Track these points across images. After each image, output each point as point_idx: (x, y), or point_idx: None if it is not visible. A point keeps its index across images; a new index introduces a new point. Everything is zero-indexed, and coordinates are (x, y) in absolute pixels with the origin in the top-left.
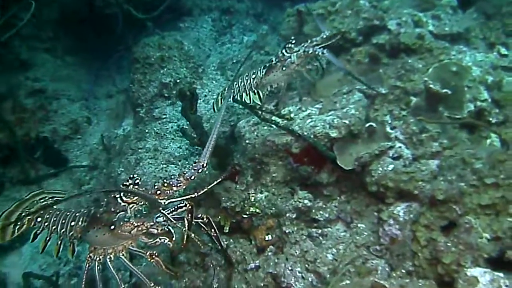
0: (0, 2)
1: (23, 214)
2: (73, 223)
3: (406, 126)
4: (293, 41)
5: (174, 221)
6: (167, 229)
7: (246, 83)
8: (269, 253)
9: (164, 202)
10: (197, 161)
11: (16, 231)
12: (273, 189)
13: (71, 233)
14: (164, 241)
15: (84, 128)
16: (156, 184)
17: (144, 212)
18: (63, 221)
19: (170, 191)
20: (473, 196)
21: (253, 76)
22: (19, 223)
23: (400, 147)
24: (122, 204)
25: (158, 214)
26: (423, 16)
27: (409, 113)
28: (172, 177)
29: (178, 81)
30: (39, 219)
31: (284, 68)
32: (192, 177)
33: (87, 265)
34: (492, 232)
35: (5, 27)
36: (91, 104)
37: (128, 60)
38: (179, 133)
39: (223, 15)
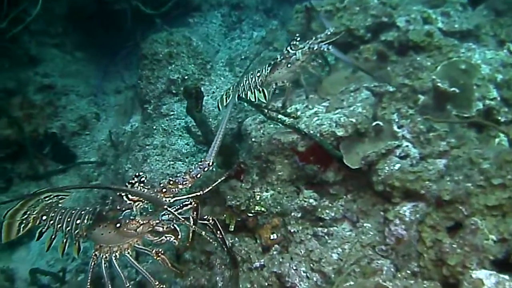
0: None
1: (28, 212)
2: (78, 221)
3: (413, 125)
4: (298, 38)
5: (182, 219)
6: (173, 227)
7: (251, 81)
8: (274, 252)
9: (169, 201)
10: (203, 159)
11: (21, 229)
12: (279, 188)
13: (77, 231)
14: (170, 239)
15: (93, 124)
16: (162, 182)
17: (150, 210)
18: (68, 219)
19: (176, 189)
20: (479, 196)
21: (258, 74)
22: (24, 221)
23: (407, 146)
24: (128, 202)
25: (164, 212)
26: (432, 13)
27: (416, 111)
28: (178, 175)
29: (186, 77)
30: (44, 218)
31: (289, 65)
32: (198, 175)
33: (93, 263)
34: (499, 234)
35: (15, 22)
36: (99, 100)
37: (136, 56)
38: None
39: (233, 10)
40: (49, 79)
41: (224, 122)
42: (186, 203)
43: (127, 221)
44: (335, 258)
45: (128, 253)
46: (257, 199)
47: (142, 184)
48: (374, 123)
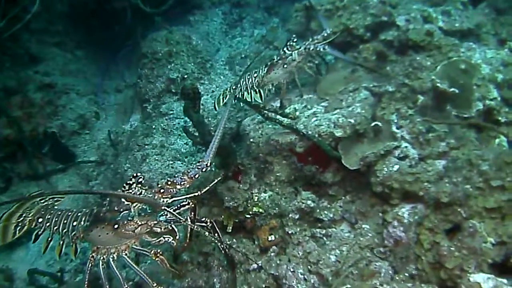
0: None
1: (24, 215)
2: (75, 223)
3: (412, 126)
4: (295, 39)
5: (181, 218)
6: (171, 228)
7: (248, 82)
8: (272, 254)
9: (167, 201)
10: (201, 160)
11: (17, 232)
12: (277, 189)
13: (73, 233)
14: (168, 239)
15: (93, 123)
16: (159, 182)
17: (149, 211)
18: (65, 221)
19: (174, 189)
20: (478, 199)
21: (255, 74)
22: (20, 224)
23: (406, 147)
24: (126, 203)
25: (162, 213)
26: (432, 11)
27: (416, 112)
28: (176, 175)
29: (185, 76)
30: (40, 220)
31: (285, 66)
32: (196, 176)
33: (90, 265)
34: (497, 237)
35: (15, 21)
36: (100, 98)
37: (137, 55)
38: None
39: (234, 8)
40: (49, 78)
41: (222, 122)
42: (184, 203)
43: (125, 222)
44: (333, 260)
45: (126, 254)
46: (255, 200)
47: (140, 185)
48: (373, 124)
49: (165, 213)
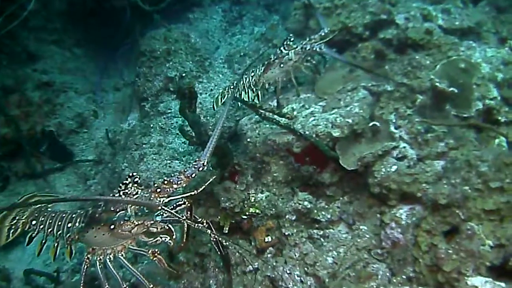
0: None
1: (17, 217)
2: (70, 225)
3: (411, 126)
4: (292, 38)
5: (179, 216)
6: (168, 227)
7: (245, 81)
8: (268, 255)
9: (163, 201)
10: (198, 159)
11: (10, 235)
12: (274, 189)
13: (68, 234)
14: (165, 239)
15: (91, 122)
16: (156, 181)
17: (145, 211)
18: (59, 223)
19: (171, 188)
20: (477, 200)
21: (252, 73)
22: (13, 227)
23: (404, 147)
24: None
25: (158, 212)
26: (432, 9)
27: (414, 111)
28: (173, 174)
29: (183, 75)
30: (34, 222)
31: (281, 65)
32: (193, 175)
33: (86, 267)
34: (496, 239)
35: (13, 19)
36: (98, 97)
37: (135, 53)
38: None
39: (234, 5)
40: (47, 76)
41: (220, 122)
42: (180, 203)
43: (122, 222)
44: (330, 262)
45: (122, 255)
46: (252, 200)
47: (136, 185)
48: (371, 124)
49: (162, 213)
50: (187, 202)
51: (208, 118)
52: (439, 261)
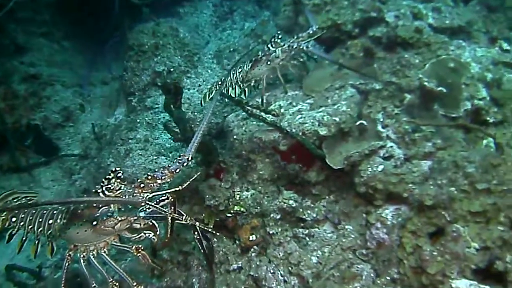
0: None
1: None
2: (51, 221)
3: (398, 125)
4: (280, 35)
5: (163, 210)
6: (151, 223)
7: (233, 77)
8: (252, 254)
9: (147, 196)
10: (182, 154)
11: None
12: (260, 187)
13: (49, 231)
14: (149, 235)
15: (77, 116)
16: (140, 177)
17: (129, 206)
18: (40, 220)
19: (154, 184)
20: (463, 202)
21: (239, 70)
22: None
23: (391, 146)
24: None
25: (141, 208)
26: (423, 8)
27: (402, 111)
28: (157, 170)
29: (172, 69)
30: (14, 219)
31: (268, 63)
32: (177, 170)
33: (67, 264)
34: (481, 242)
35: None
36: (85, 91)
37: (124, 47)
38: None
39: (224, 0)
40: (35, 69)
41: (206, 117)
42: (163, 198)
43: (104, 218)
44: (314, 262)
45: (105, 251)
46: (237, 198)
47: (119, 180)
48: (358, 123)
49: (145, 209)
50: (170, 197)
51: (195, 114)
52: (424, 263)
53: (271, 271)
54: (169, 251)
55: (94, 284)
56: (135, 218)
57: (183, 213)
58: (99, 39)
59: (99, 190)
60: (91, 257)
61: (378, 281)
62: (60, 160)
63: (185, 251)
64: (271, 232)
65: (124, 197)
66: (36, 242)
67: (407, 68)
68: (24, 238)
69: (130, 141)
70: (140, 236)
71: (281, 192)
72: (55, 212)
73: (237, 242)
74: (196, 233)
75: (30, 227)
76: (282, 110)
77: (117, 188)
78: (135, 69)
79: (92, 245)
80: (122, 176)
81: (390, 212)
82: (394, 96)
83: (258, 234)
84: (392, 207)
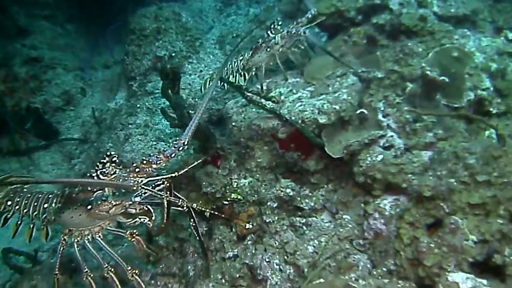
0: None
1: None
2: (46, 205)
3: (399, 114)
4: (280, 22)
5: (159, 194)
6: (147, 208)
7: (234, 65)
8: (248, 242)
9: (141, 181)
10: (178, 138)
11: None
12: (258, 175)
13: (44, 215)
14: (144, 220)
15: (78, 100)
16: (134, 161)
17: (123, 191)
18: (35, 204)
19: (149, 168)
20: (462, 193)
21: (240, 57)
22: None
23: (392, 136)
24: None
25: (137, 193)
26: None
27: (404, 100)
28: (152, 154)
29: (173, 54)
30: (9, 203)
31: (268, 49)
32: (173, 155)
33: (62, 248)
34: (480, 234)
35: None
36: (87, 74)
37: (126, 31)
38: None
39: None
40: (36, 52)
41: (204, 102)
42: (158, 183)
43: (99, 202)
44: (310, 251)
45: (100, 236)
46: (234, 186)
47: (114, 164)
48: (358, 111)
49: (140, 193)
50: (166, 182)
51: (196, 100)
52: (420, 255)
53: (267, 259)
54: (165, 238)
55: (86, 269)
56: (130, 202)
57: (180, 196)
58: (102, 22)
59: (93, 174)
60: (86, 241)
61: (374, 272)
62: (60, 144)
63: (181, 237)
64: (267, 220)
65: (118, 181)
66: (31, 226)
67: (410, 57)
68: (19, 222)
69: (129, 126)
70: (135, 221)
71: (279, 180)
72: (50, 196)
73: (233, 230)
74: (191, 220)
75: (25, 211)
76: (282, 97)
77: (112, 172)
78: (136, 54)
79: (86, 230)
80: (117, 160)
81: (388, 202)
82: (396, 85)
83: (255, 222)
84: (391, 198)
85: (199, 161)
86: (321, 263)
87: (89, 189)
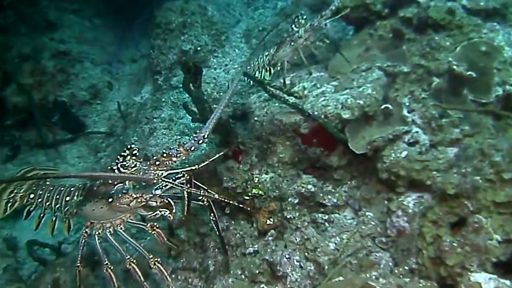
0: None
1: (15, 191)
2: (68, 198)
3: (425, 110)
4: (304, 16)
5: (180, 186)
6: (167, 201)
7: (260, 61)
8: (269, 238)
9: (161, 174)
10: (198, 131)
11: (8, 208)
12: (279, 171)
13: (66, 208)
14: (165, 213)
15: (105, 93)
16: (154, 154)
17: (143, 184)
18: (57, 197)
19: (170, 161)
20: (487, 192)
21: (266, 53)
22: (11, 200)
23: (417, 132)
24: None
25: (157, 186)
26: None
27: (430, 95)
28: (172, 147)
29: (198, 48)
30: (32, 196)
31: (292, 43)
32: (192, 148)
33: (84, 241)
34: (504, 234)
35: None
36: (114, 68)
37: (152, 24)
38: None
39: None
40: (64, 46)
41: (226, 96)
42: (179, 176)
43: (120, 195)
44: (331, 248)
45: (121, 228)
46: (255, 181)
47: (134, 157)
48: (382, 106)
49: (161, 187)
50: (186, 175)
51: (221, 94)
52: (443, 254)
53: (287, 256)
54: (187, 232)
55: (106, 261)
56: (151, 195)
57: (202, 185)
58: (128, 16)
59: (114, 167)
60: (108, 234)
61: (396, 271)
62: (86, 137)
63: (202, 232)
64: (288, 216)
65: (139, 174)
66: (54, 219)
67: (437, 51)
68: (42, 215)
69: (154, 120)
70: (156, 214)
71: (300, 176)
72: (72, 189)
73: (254, 225)
74: (212, 214)
75: (47, 203)
76: (305, 92)
77: (132, 165)
78: (161, 48)
79: (108, 222)
80: (137, 153)
81: (412, 200)
82: (423, 79)
83: (276, 218)
84: (415, 195)
85: (219, 155)
86: (342, 261)
87: (110, 182)
